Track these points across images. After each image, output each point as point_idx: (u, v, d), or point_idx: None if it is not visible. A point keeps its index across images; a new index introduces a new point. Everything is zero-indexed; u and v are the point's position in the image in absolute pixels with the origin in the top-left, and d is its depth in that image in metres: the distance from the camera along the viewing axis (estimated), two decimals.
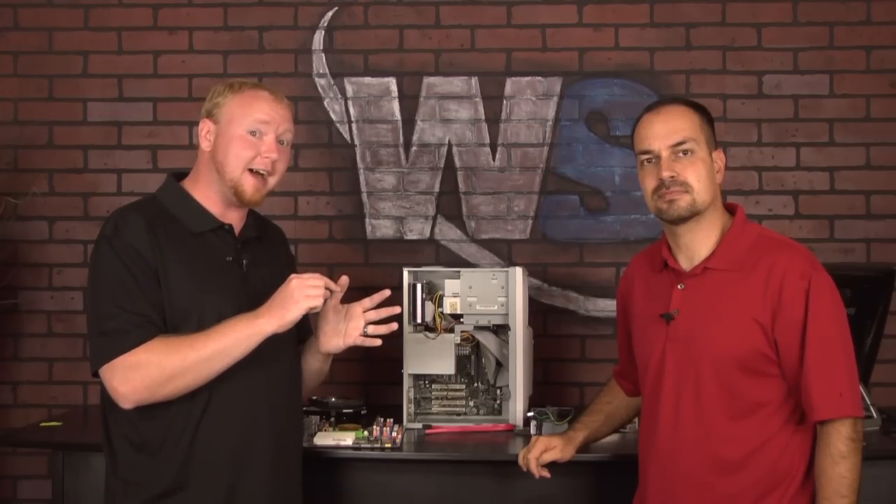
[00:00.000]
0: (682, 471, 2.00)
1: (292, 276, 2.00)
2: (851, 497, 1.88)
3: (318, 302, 1.99)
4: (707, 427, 1.97)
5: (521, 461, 2.28)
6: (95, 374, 1.97)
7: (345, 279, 2.11)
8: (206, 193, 2.08)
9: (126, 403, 1.93)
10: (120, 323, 1.92)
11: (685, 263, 2.05)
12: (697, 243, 2.04)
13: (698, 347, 1.98)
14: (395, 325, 2.12)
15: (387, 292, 2.14)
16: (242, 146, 2.04)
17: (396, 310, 2.15)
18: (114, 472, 2.00)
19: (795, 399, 1.95)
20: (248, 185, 2.05)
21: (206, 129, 2.09)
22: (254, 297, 2.04)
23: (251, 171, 2.04)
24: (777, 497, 1.95)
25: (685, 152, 2.01)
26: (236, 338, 1.94)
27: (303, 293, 1.96)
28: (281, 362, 2.07)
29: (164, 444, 1.97)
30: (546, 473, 2.26)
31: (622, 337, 2.31)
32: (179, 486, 1.97)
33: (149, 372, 1.91)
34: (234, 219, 2.11)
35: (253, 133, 2.05)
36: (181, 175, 2.14)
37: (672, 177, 1.99)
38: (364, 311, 2.11)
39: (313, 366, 2.23)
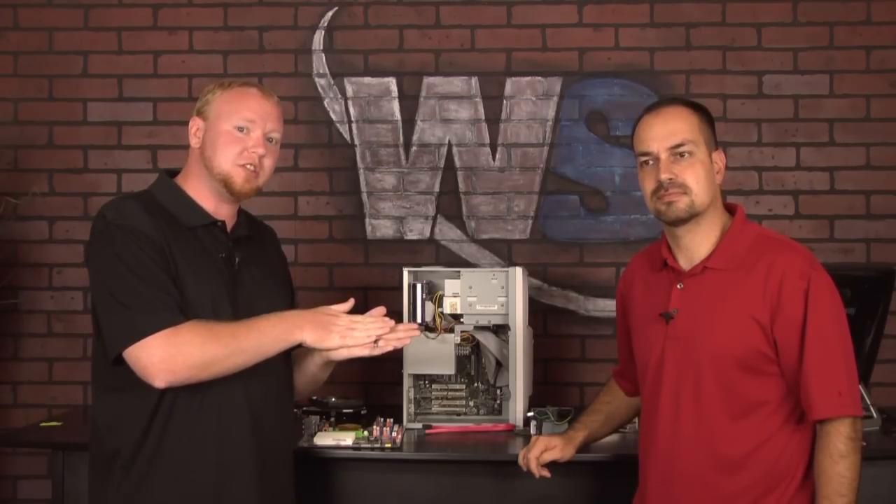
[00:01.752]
0: (682, 470, 1.99)
1: (343, 313, 1.97)
2: (850, 496, 1.88)
3: (354, 353, 1.96)
4: (707, 426, 1.97)
5: (521, 461, 2.27)
6: (117, 359, 1.90)
7: (380, 310, 2.07)
8: (197, 189, 2.08)
9: (160, 382, 1.88)
10: (148, 301, 1.88)
11: (685, 263, 2.05)
12: (697, 244, 2.03)
13: (697, 347, 1.98)
14: (407, 341, 2.08)
15: (414, 326, 2.13)
16: (229, 141, 2.04)
17: (415, 332, 2.11)
18: (104, 471, 1.98)
19: (795, 398, 1.95)
20: (239, 176, 2.04)
21: (195, 127, 2.09)
22: (244, 296, 2.04)
23: (240, 165, 2.04)
24: (777, 496, 1.95)
25: (684, 154, 2.00)
26: (274, 338, 1.93)
27: (342, 335, 1.95)
28: (271, 364, 2.04)
29: (151, 435, 1.95)
30: (546, 473, 2.25)
31: (621, 337, 2.31)
32: (168, 488, 1.95)
33: (192, 351, 1.87)
34: (226, 216, 2.10)
35: (240, 129, 2.05)
36: (174, 173, 2.14)
37: (670, 179, 1.99)
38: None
39: (309, 369, 2.19)
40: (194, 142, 2.09)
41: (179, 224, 2.03)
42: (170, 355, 1.87)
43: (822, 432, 1.91)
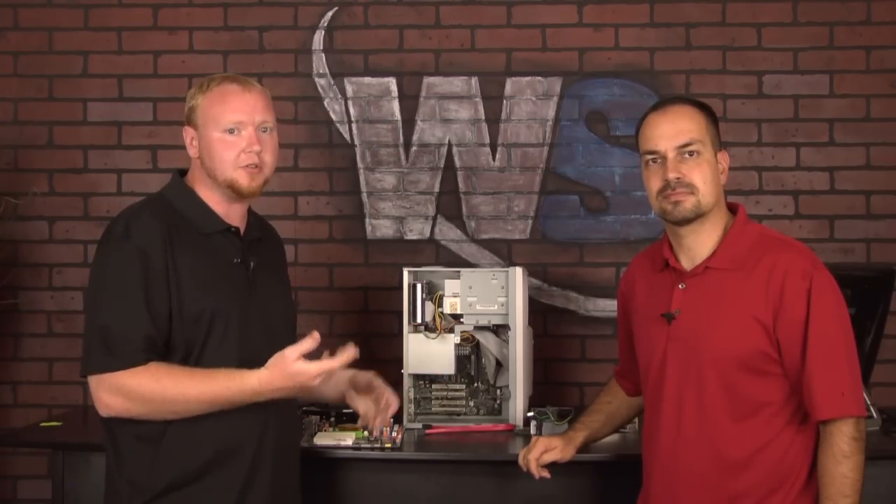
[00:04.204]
0: (686, 471, 1.99)
1: (298, 371, 1.92)
2: (854, 497, 1.88)
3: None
4: (709, 427, 1.97)
5: (521, 461, 2.27)
6: (84, 375, 1.97)
7: (351, 352, 1.99)
8: (208, 194, 2.08)
9: (104, 413, 1.95)
10: (120, 337, 1.91)
11: (686, 263, 2.05)
12: (699, 244, 2.03)
13: (700, 347, 1.98)
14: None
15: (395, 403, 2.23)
16: (224, 148, 2.03)
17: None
18: (119, 472, 1.99)
19: (798, 399, 1.95)
20: (243, 178, 2.03)
21: (189, 137, 2.08)
22: (260, 301, 2.05)
23: (241, 167, 2.03)
24: (780, 497, 1.95)
25: (691, 153, 2.00)
26: (235, 396, 1.92)
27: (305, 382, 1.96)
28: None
29: (167, 436, 1.96)
30: (546, 474, 2.25)
31: (623, 337, 2.31)
32: (191, 479, 1.97)
33: (141, 395, 1.91)
34: (238, 219, 2.10)
35: (231, 131, 2.03)
36: (185, 172, 2.14)
37: (678, 178, 1.98)
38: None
39: (326, 392, 2.25)
40: (192, 152, 2.08)
41: (196, 231, 2.03)
42: (121, 395, 1.91)
43: (826, 433, 1.91)
